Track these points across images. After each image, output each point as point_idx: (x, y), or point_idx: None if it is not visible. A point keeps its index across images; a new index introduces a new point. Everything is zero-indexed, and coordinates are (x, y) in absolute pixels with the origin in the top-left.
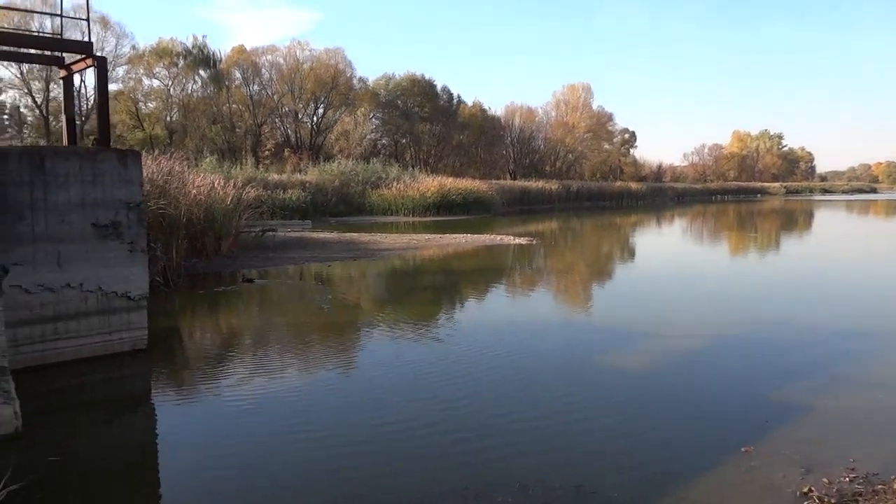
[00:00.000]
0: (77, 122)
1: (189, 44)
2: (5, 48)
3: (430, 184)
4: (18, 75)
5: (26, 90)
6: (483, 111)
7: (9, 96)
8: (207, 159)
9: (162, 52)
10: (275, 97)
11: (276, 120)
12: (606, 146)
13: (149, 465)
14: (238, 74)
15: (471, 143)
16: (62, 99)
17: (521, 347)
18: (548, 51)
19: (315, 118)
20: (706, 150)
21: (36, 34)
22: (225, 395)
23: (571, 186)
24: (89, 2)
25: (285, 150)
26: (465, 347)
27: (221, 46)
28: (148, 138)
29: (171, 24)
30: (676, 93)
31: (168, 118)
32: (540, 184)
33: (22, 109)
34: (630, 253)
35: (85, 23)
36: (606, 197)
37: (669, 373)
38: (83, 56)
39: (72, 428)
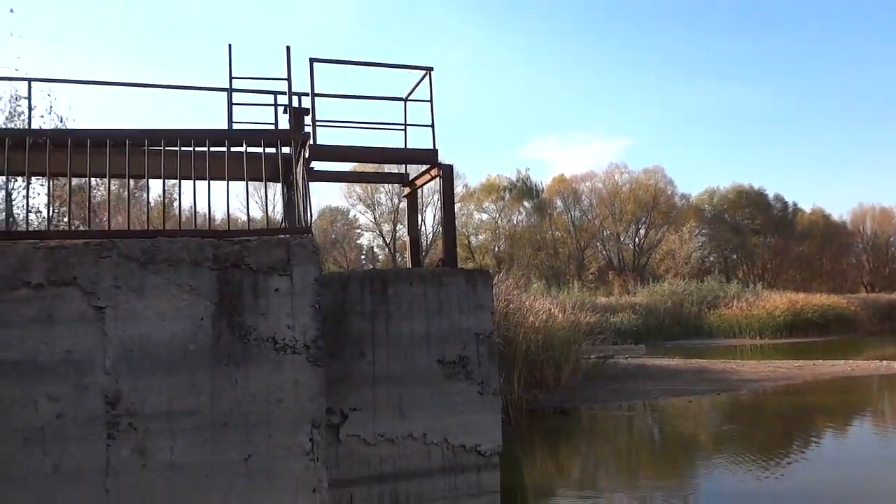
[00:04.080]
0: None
1: (514, 178)
2: (358, 171)
3: (779, 301)
4: (372, 220)
5: (378, 232)
6: (825, 217)
7: (365, 238)
8: (535, 285)
9: (490, 188)
10: (595, 221)
11: (598, 243)
12: None
13: None
14: (559, 202)
15: (813, 254)
16: (407, 225)
17: None
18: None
19: (637, 239)
20: None
21: (386, 148)
22: None
23: None
24: (433, 107)
25: (609, 272)
26: None
27: (542, 178)
28: (479, 268)
29: (496, 167)
30: None
31: (496, 248)
32: None
33: (374, 249)
34: None
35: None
36: None
37: None
38: (428, 167)
39: None
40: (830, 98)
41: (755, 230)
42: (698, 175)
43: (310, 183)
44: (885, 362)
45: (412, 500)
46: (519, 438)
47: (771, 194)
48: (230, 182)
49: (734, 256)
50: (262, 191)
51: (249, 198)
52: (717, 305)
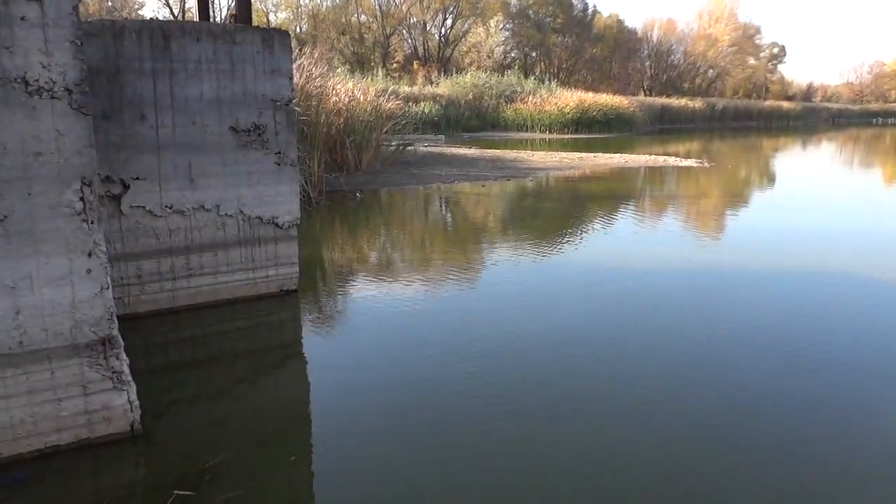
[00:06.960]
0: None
1: None
2: None
3: (569, 99)
4: None
5: (164, 2)
6: (619, 23)
7: (148, 10)
8: (339, 69)
9: None
10: (403, 7)
11: (405, 31)
12: (752, 61)
13: (300, 434)
14: None
15: (604, 56)
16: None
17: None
18: None
19: (443, 29)
20: (865, 68)
21: None
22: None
23: (716, 105)
24: None
25: (414, 62)
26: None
27: None
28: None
29: None
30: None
31: (297, 29)
32: (683, 101)
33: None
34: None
35: None
36: (754, 116)
37: None
38: None
39: (208, 396)
40: None
41: (556, 29)
42: None
43: None
44: (651, 156)
45: (206, 271)
46: (318, 218)
47: None
48: None
49: (534, 54)
50: None
51: None
52: (514, 100)
